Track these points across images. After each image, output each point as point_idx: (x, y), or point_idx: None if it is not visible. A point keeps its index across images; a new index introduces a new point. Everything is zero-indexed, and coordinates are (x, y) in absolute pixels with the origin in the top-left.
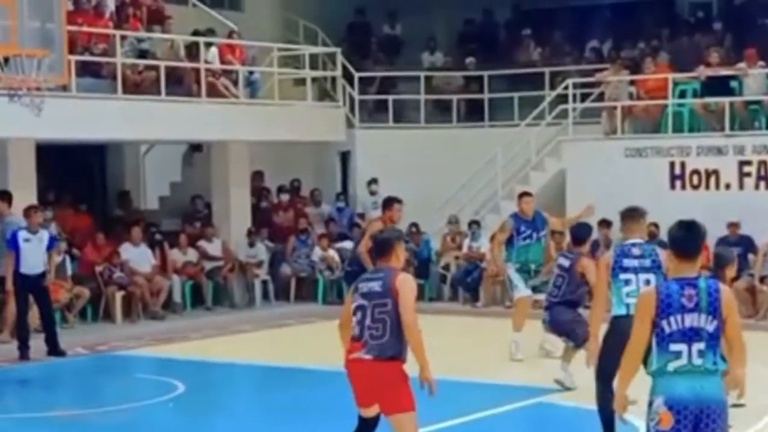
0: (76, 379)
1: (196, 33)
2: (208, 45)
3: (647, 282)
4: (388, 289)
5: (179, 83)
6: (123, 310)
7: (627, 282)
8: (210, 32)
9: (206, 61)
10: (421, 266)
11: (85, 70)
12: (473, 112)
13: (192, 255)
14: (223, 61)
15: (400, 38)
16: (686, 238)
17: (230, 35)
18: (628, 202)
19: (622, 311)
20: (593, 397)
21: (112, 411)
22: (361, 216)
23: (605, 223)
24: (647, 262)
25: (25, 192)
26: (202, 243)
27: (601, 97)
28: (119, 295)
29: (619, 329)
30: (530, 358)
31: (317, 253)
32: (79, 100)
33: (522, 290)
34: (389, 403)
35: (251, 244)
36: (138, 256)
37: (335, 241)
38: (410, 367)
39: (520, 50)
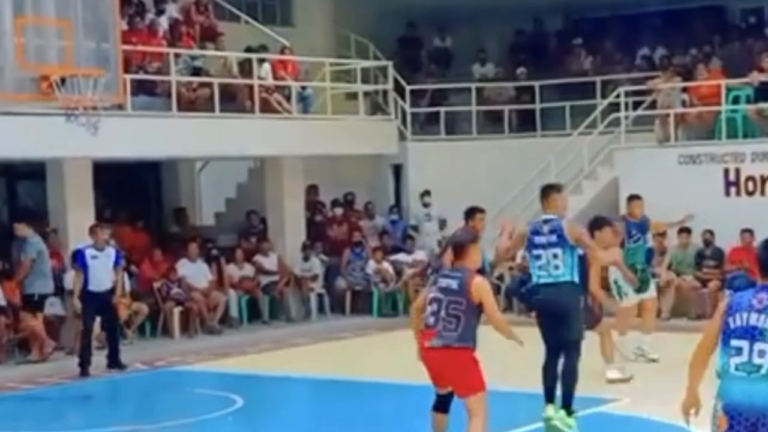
0: (136, 395)
1: (248, 50)
2: (261, 61)
3: (555, 256)
4: (464, 289)
5: (233, 100)
6: (181, 325)
7: (538, 257)
8: (262, 48)
9: (259, 78)
10: None
11: (139, 88)
12: (525, 123)
13: (248, 270)
14: (275, 77)
15: (451, 50)
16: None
17: (282, 51)
18: (682, 210)
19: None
20: (649, 405)
21: (172, 426)
22: (415, 228)
23: (660, 232)
24: (554, 238)
25: (83, 211)
26: (257, 258)
27: (653, 105)
28: (177, 311)
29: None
30: (586, 368)
31: (372, 265)
32: (135, 118)
33: (632, 296)
34: (462, 387)
35: (306, 258)
36: (195, 271)
37: (389, 253)
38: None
39: (571, 59)
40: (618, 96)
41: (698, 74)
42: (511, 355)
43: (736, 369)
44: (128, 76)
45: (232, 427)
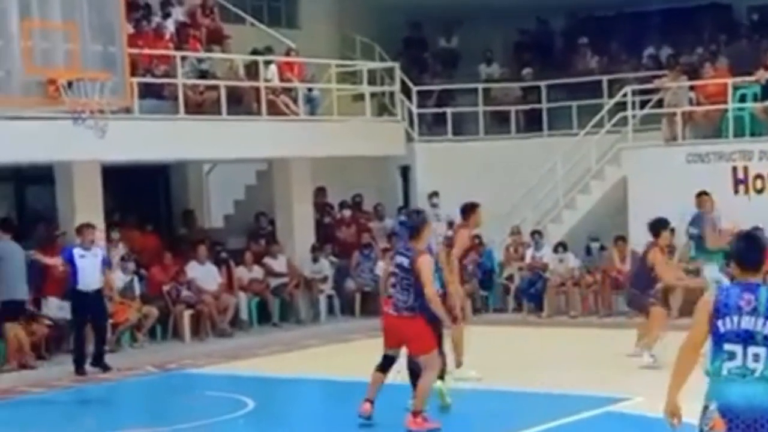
0: (148, 398)
1: (254, 52)
2: (267, 63)
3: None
4: (412, 266)
5: (239, 102)
6: (191, 328)
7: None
8: (268, 50)
9: (266, 80)
10: (484, 277)
11: (147, 91)
12: (532, 123)
13: (257, 272)
14: (282, 79)
15: (457, 51)
16: (747, 250)
17: (288, 53)
18: (691, 208)
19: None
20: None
21: (183, 428)
22: None
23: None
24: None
25: (91, 214)
26: (267, 260)
27: (660, 104)
28: (187, 314)
29: None
30: (598, 368)
31: (381, 267)
32: (142, 121)
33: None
34: (415, 348)
35: (315, 260)
36: (204, 274)
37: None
38: None
39: (577, 59)
40: (625, 95)
41: (705, 73)
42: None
43: (730, 372)
44: (135, 80)
45: (243, 429)
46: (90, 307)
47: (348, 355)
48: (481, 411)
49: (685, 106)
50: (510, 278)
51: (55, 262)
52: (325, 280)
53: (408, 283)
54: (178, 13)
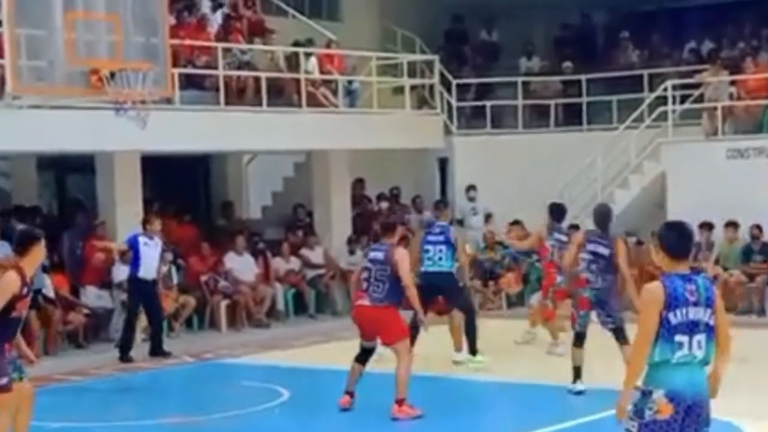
0: (184, 387)
1: (295, 44)
2: (308, 55)
3: (440, 251)
4: (388, 259)
5: (280, 94)
6: (228, 318)
7: (427, 251)
8: (309, 43)
9: (306, 72)
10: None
11: (188, 82)
12: (571, 117)
13: (294, 263)
14: (322, 71)
15: (497, 44)
16: (680, 239)
17: (329, 45)
18: (731, 204)
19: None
20: None
21: (219, 418)
22: (460, 222)
23: (707, 226)
24: (441, 238)
25: (131, 204)
26: (304, 251)
27: (701, 99)
28: (224, 304)
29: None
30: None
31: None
32: (183, 112)
33: None
34: (387, 337)
35: (352, 252)
36: (242, 265)
37: None
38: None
39: (619, 53)
40: (665, 89)
41: (746, 67)
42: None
43: (677, 360)
44: (176, 70)
45: (278, 419)
46: (147, 296)
47: (382, 346)
48: (520, 404)
49: (726, 100)
50: None
51: (115, 245)
52: None
53: (383, 275)
54: (221, 5)
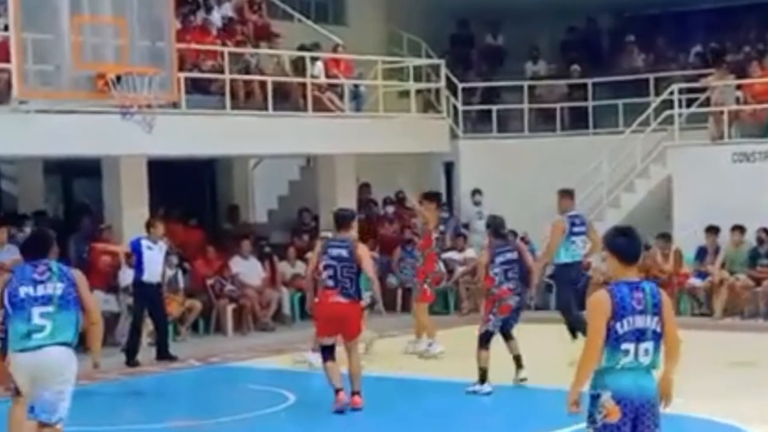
0: (190, 391)
1: (301, 48)
2: (314, 60)
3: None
4: (353, 255)
5: (286, 98)
6: (234, 322)
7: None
8: (315, 47)
9: (312, 76)
10: (527, 275)
11: (194, 86)
12: (577, 120)
13: (300, 267)
14: (328, 75)
15: (503, 48)
16: (630, 244)
17: (335, 49)
18: (737, 208)
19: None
20: (703, 405)
21: (226, 422)
22: (466, 226)
23: (713, 230)
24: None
25: (137, 208)
26: (310, 255)
27: (706, 102)
28: (230, 308)
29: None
30: None
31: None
32: (189, 116)
33: None
34: (352, 333)
35: None
36: (248, 269)
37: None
38: None
39: (624, 57)
40: (671, 93)
41: (752, 71)
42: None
43: (622, 366)
44: (182, 75)
45: (285, 422)
46: (152, 299)
47: (388, 350)
48: (528, 409)
49: (732, 104)
50: (552, 276)
51: (120, 249)
52: None
53: (351, 271)
54: (227, 9)
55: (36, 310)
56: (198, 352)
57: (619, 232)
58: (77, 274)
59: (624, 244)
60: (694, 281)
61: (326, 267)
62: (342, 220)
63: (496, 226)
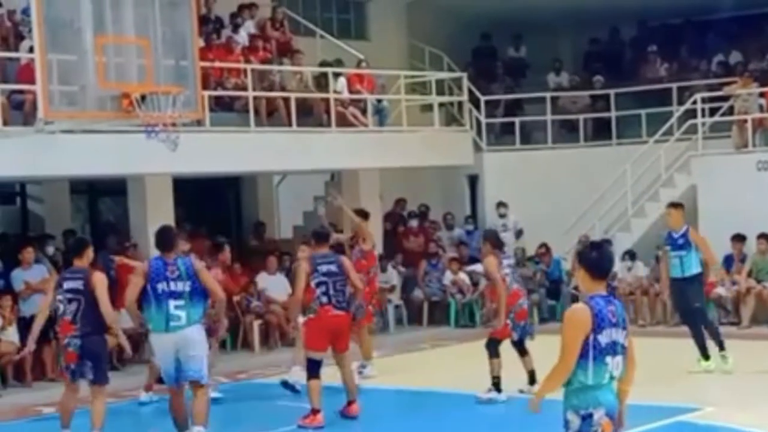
0: (219, 407)
1: (323, 64)
2: (337, 75)
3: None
4: (342, 269)
5: (309, 114)
6: (261, 338)
7: (320, 284)
8: (338, 63)
9: (335, 91)
10: (552, 287)
11: (218, 104)
12: (600, 131)
13: None
14: (351, 91)
15: (526, 60)
16: (601, 259)
17: (359, 65)
18: (762, 216)
19: None
20: (734, 414)
21: None
22: None
23: (739, 238)
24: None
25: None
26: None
27: (730, 111)
28: (257, 324)
29: None
30: (667, 377)
31: (448, 276)
32: (213, 134)
33: None
34: (346, 345)
35: (383, 270)
36: (274, 285)
37: (465, 264)
38: None
39: (647, 67)
40: (694, 102)
41: None
42: None
43: (607, 381)
44: (207, 93)
45: None
46: None
47: (416, 364)
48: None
49: (756, 113)
50: (578, 288)
51: (140, 264)
52: (392, 289)
53: (343, 284)
54: (249, 26)
55: (172, 303)
56: (225, 368)
57: (593, 247)
58: (198, 266)
59: (595, 258)
60: (721, 290)
61: (319, 284)
62: (320, 237)
63: (494, 237)
